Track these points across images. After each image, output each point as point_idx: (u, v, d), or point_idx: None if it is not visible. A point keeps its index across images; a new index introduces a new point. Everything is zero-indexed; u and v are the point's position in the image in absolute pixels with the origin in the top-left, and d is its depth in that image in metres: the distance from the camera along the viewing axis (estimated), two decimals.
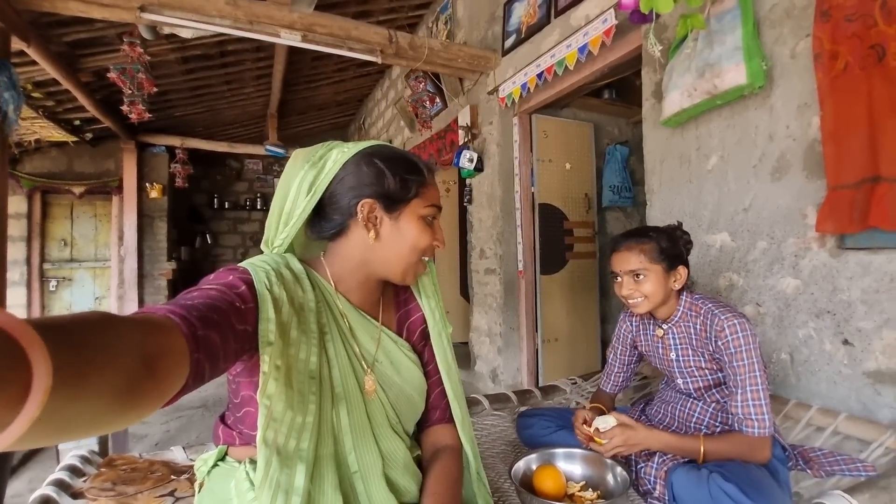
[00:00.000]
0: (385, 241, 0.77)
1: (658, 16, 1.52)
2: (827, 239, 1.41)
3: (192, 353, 0.49)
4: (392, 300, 0.89)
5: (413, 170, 0.78)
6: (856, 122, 1.29)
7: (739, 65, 1.48)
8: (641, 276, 1.16)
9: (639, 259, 1.15)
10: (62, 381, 0.28)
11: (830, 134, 1.35)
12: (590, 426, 1.14)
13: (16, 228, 4.78)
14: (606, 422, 1.08)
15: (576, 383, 1.86)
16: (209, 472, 0.79)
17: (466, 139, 3.34)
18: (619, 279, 1.20)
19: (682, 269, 1.18)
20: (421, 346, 0.89)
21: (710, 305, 1.15)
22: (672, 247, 1.17)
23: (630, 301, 1.19)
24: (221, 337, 0.55)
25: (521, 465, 1.12)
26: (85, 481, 1.01)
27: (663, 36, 1.84)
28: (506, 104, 3.02)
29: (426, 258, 0.81)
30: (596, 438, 1.09)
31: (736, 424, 1.05)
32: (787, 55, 1.49)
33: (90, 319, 0.35)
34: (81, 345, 0.32)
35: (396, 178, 0.76)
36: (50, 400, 0.27)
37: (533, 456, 1.15)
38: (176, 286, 5.47)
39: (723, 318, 1.09)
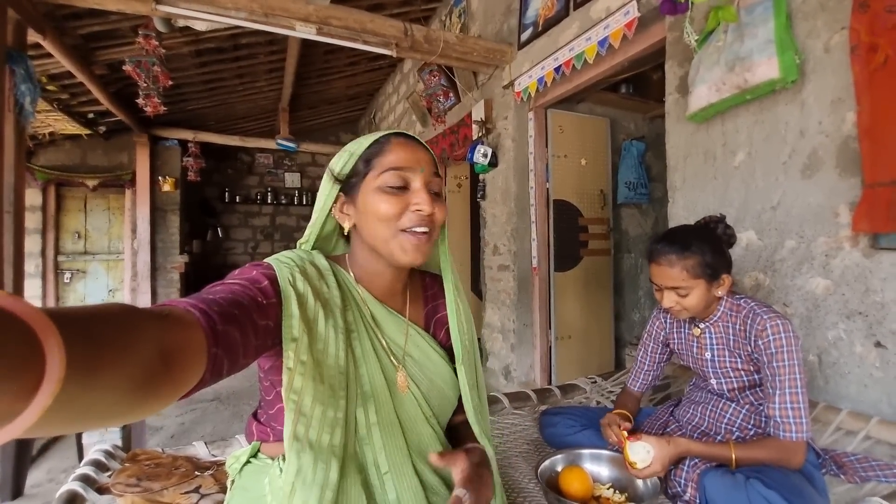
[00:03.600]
0: (360, 227, 0.74)
1: (692, 5, 1.48)
2: (860, 238, 1.37)
3: (210, 348, 0.48)
4: (420, 294, 0.87)
5: (361, 145, 0.75)
6: (895, 118, 1.25)
7: (772, 58, 1.44)
8: (684, 291, 1.11)
9: (681, 276, 1.09)
10: (76, 371, 0.28)
11: (867, 130, 1.31)
12: (620, 432, 1.11)
13: (31, 221, 4.82)
14: (642, 457, 1.03)
15: (595, 382, 1.83)
16: (241, 469, 0.78)
17: (480, 134, 3.31)
18: (660, 290, 1.15)
19: (725, 277, 1.13)
20: (449, 344, 0.86)
21: (752, 304, 1.11)
22: (716, 258, 1.10)
23: (672, 311, 1.16)
24: (242, 333, 0.55)
25: (547, 466, 1.10)
26: (109, 476, 1.01)
27: (691, 28, 1.80)
28: (521, 98, 2.98)
29: (413, 227, 0.71)
30: (631, 466, 1.04)
31: (772, 428, 1.02)
32: (820, 49, 1.45)
33: (109, 311, 0.34)
34: (98, 336, 0.31)
35: (345, 162, 0.75)
36: (63, 390, 0.27)
37: (559, 456, 1.13)
38: (188, 279, 5.51)
39: (765, 317, 1.06)
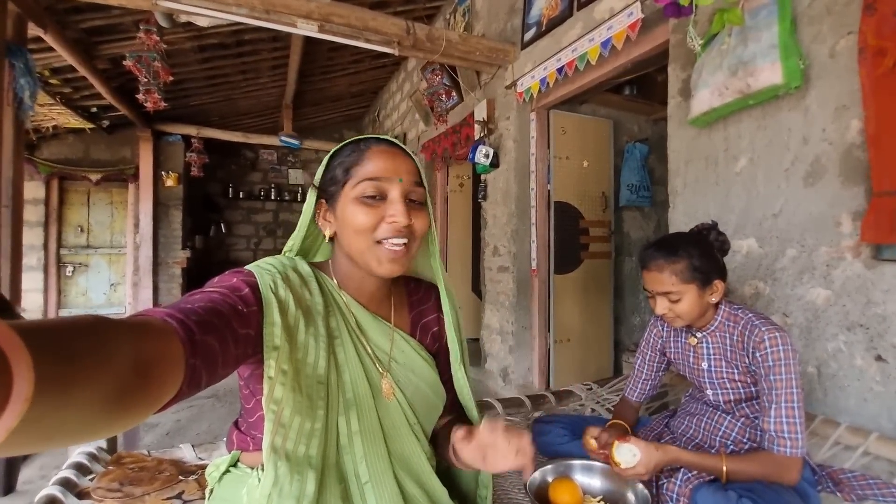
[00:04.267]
0: (339, 236, 0.74)
1: (696, 8, 1.45)
2: (862, 249, 1.34)
3: (188, 359, 0.47)
4: (405, 300, 0.86)
5: (340, 152, 0.74)
6: None
7: (775, 63, 1.41)
8: (675, 297, 1.10)
9: (671, 281, 1.09)
10: (47, 389, 0.26)
11: (875, 136, 1.27)
12: (603, 447, 1.09)
13: (33, 214, 4.84)
14: (627, 458, 1.01)
15: (591, 389, 1.81)
16: (220, 478, 0.78)
17: (482, 134, 3.29)
18: (653, 297, 1.14)
19: (718, 284, 1.11)
20: (434, 349, 0.86)
21: (750, 316, 1.09)
22: (705, 262, 1.09)
23: (666, 318, 1.14)
24: (221, 342, 0.54)
25: (536, 476, 1.08)
26: (92, 480, 1.00)
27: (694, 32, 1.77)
28: (524, 99, 2.95)
29: (391, 239, 0.70)
30: (616, 467, 1.03)
31: (766, 442, 1.00)
32: (825, 54, 1.42)
33: (81, 324, 0.33)
34: (69, 351, 0.30)
35: (328, 169, 0.74)
36: (32, 409, 0.25)
37: (549, 467, 1.11)
38: (190, 274, 5.52)
39: (763, 329, 1.04)
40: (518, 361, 3.10)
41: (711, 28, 1.60)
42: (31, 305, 4.84)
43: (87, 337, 0.32)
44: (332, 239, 0.79)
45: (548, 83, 2.70)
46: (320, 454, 0.66)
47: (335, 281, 0.77)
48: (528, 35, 2.90)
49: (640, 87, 3.52)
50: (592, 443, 1.15)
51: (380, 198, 0.70)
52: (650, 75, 3.33)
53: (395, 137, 0.77)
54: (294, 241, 0.80)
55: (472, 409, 0.83)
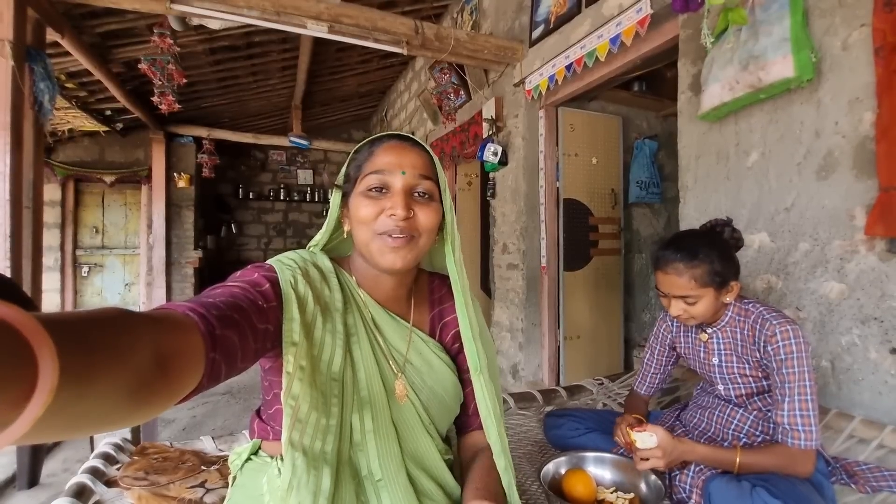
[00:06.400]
0: (352, 231, 0.75)
1: (707, 8, 1.45)
2: (876, 242, 1.33)
3: (208, 353, 0.48)
4: (425, 299, 0.85)
5: (358, 151, 0.76)
6: None
7: (787, 57, 1.40)
8: (692, 300, 1.09)
9: (689, 285, 1.07)
10: (70, 379, 0.27)
11: (885, 131, 1.27)
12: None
13: (50, 215, 4.94)
14: (646, 442, 1.02)
15: (602, 384, 1.82)
16: (242, 466, 0.79)
17: (491, 132, 3.30)
18: (667, 297, 1.13)
19: (734, 284, 1.10)
20: (456, 349, 0.84)
21: (761, 309, 1.09)
22: (725, 266, 1.08)
23: (680, 319, 1.14)
24: (240, 336, 0.54)
25: (550, 468, 1.09)
26: (118, 469, 1.03)
27: (700, 26, 1.76)
28: (532, 96, 2.96)
29: (389, 232, 0.70)
30: (634, 452, 1.04)
31: (780, 435, 1.01)
32: (838, 46, 1.41)
33: (104, 316, 0.33)
34: (93, 343, 0.30)
35: (346, 168, 0.77)
36: (56, 399, 0.26)
37: (562, 459, 1.12)
38: (202, 274, 5.59)
39: (775, 322, 1.04)
40: (528, 358, 3.11)
41: (717, 26, 1.60)
42: (49, 305, 4.94)
43: (110, 329, 0.33)
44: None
45: (556, 80, 2.70)
46: (335, 450, 0.66)
47: (354, 278, 0.77)
48: (536, 32, 2.90)
49: (650, 83, 3.50)
50: (621, 437, 1.15)
51: (384, 191, 0.71)
52: (659, 71, 3.31)
53: None
54: (321, 237, 0.81)
55: (490, 430, 0.77)
